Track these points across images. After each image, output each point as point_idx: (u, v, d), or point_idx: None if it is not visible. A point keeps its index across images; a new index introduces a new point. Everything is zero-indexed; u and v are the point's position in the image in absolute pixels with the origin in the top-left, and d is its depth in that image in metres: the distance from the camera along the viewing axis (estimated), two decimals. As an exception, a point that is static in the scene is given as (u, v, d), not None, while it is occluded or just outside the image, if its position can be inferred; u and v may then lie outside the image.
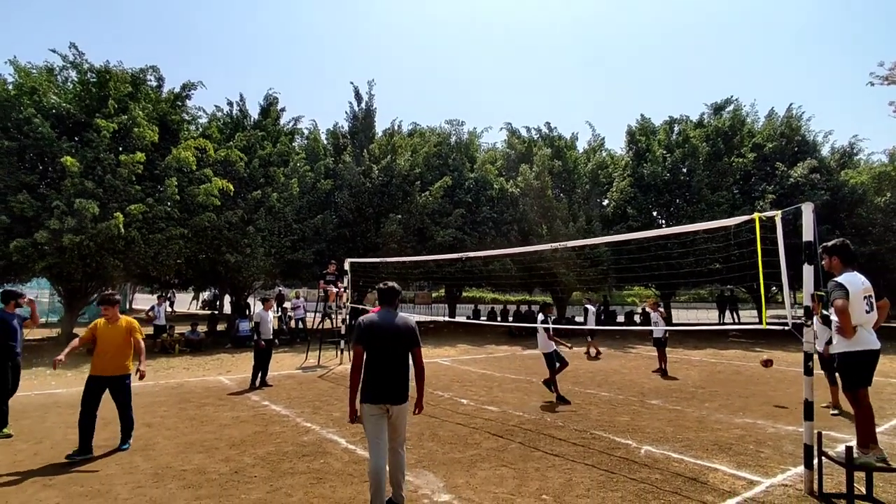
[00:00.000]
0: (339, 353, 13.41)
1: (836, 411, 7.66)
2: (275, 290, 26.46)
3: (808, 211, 4.80)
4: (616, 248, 19.46)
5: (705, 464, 5.46)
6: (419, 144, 22.59)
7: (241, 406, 8.10)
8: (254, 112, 20.44)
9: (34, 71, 14.20)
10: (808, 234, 4.72)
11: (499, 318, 23.64)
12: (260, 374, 9.82)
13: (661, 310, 12.20)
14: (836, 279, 4.63)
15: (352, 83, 22.84)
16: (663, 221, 22.70)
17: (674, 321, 23.61)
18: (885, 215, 20.86)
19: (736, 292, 27.61)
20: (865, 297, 4.51)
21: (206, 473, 5.11)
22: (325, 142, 23.00)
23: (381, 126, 23.69)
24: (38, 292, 26.64)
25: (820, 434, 4.66)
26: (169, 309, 34.06)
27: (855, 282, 4.55)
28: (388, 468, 4.09)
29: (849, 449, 4.42)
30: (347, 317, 13.54)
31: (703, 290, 39.16)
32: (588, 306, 15.31)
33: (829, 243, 4.89)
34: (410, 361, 4.21)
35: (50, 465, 5.31)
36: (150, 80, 16.06)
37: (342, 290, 13.29)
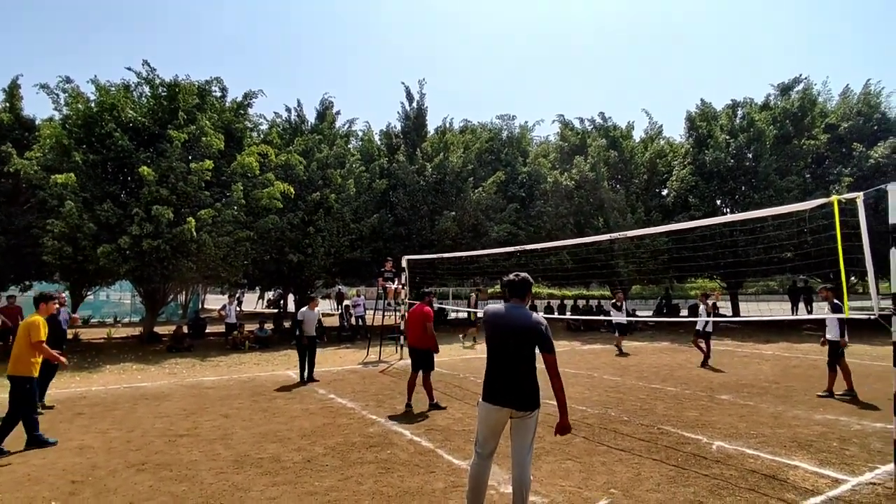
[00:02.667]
0: (398, 348, 13.69)
1: (847, 396, 8.07)
2: (335, 288, 27.23)
3: (893, 192, 4.49)
4: (677, 239, 18.75)
5: (784, 461, 5.23)
6: (471, 141, 22.65)
7: (310, 399, 8.44)
8: (310, 117, 21.19)
9: (112, 88, 15.28)
10: (894, 216, 4.43)
11: (556, 313, 23.33)
12: (308, 369, 10.07)
13: (710, 302, 12.25)
14: None
15: (403, 83, 23.08)
16: (728, 210, 21.67)
17: (741, 313, 22.53)
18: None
19: (811, 283, 25.99)
20: None
21: (281, 462, 5.37)
22: (379, 142, 23.47)
23: (432, 124, 23.93)
24: (121, 294, 28.73)
25: (913, 430, 4.36)
26: (238, 308, 36.01)
27: None
28: (511, 485, 3.76)
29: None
30: (406, 313, 13.78)
31: (774, 280, 37.07)
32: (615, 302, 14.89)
33: None
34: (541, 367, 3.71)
35: (141, 451, 5.74)
36: (215, 91, 16.94)
37: (400, 286, 13.55)
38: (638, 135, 25.91)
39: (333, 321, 21.10)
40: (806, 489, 4.50)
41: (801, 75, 22.45)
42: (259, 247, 16.32)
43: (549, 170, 22.90)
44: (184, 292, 28.22)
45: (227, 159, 16.02)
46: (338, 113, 21.46)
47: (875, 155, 18.74)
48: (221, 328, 17.26)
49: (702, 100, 23.41)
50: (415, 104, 22.77)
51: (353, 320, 18.71)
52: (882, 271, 4.58)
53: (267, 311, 31.88)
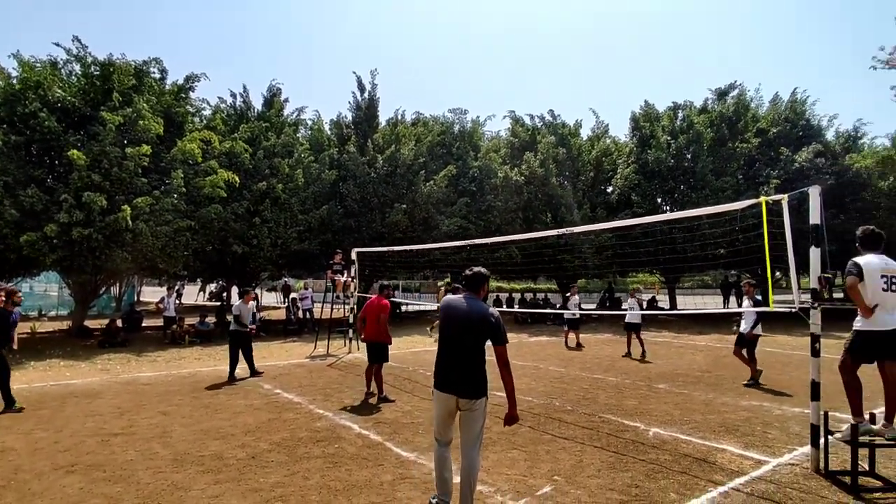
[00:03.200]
0: (347, 342, 13.54)
1: (751, 382, 8.77)
2: (281, 280, 26.60)
3: (815, 194, 4.83)
4: (620, 235, 19.47)
5: (713, 445, 5.56)
6: (423, 134, 22.56)
7: (254, 394, 8.23)
8: (257, 103, 20.46)
9: (38, 65, 14.21)
10: (814, 217, 4.76)
11: (504, 306, 23.74)
12: (248, 364, 9.71)
13: (638, 297, 13.01)
14: (854, 259, 4.68)
15: (354, 73, 22.66)
16: (668, 208, 22.63)
17: (678, 306, 23.66)
18: (888, 199, 20.82)
19: (742, 278, 27.61)
20: (885, 277, 4.51)
21: (224, 459, 5.23)
22: (329, 132, 22.98)
23: (384, 116, 23.60)
24: (48, 285, 26.92)
25: (826, 414, 4.74)
26: (177, 301, 34.44)
27: (873, 262, 4.58)
28: (460, 474, 3.84)
29: (854, 427, 4.50)
30: (355, 306, 13.65)
31: (708, 275, 39.14)
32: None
33: (857, 232, 4.99)
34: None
35: (70, 452, 5.44)
36: (154, 73, 16.05)
37: (349, 279, 13.39)
38: (585, 133, 26.64)
39: (280, 314, 20.64)
40: (732, 471, 4.81)
41: (736, 81, 23.69)
42: (201, 237, 15.67)
43: (499, 165, 23.16)
44: (117, 284, 26.74)
45: (167, 145, 15.25)
46: (286, 100, 20.83)
47: (800, 159, 20.08)
48: (159, 322, 16.52)
49: (646, 101, 24.31)
50: (366, 94, 22.44)
51: (300, 313, 18.34)
52: (803, 268, 4.92)
53: (209, 303, 30.76)
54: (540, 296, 28.38)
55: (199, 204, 15.31)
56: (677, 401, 7.64)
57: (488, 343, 3.79)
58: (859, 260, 4.63)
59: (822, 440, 4.72)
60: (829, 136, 22.69)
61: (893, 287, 4.50)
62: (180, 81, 16.83)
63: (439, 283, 16.84)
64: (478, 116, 28.49)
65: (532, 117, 26.38)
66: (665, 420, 6.55)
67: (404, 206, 19.24)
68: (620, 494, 4.30)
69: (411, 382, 9.12)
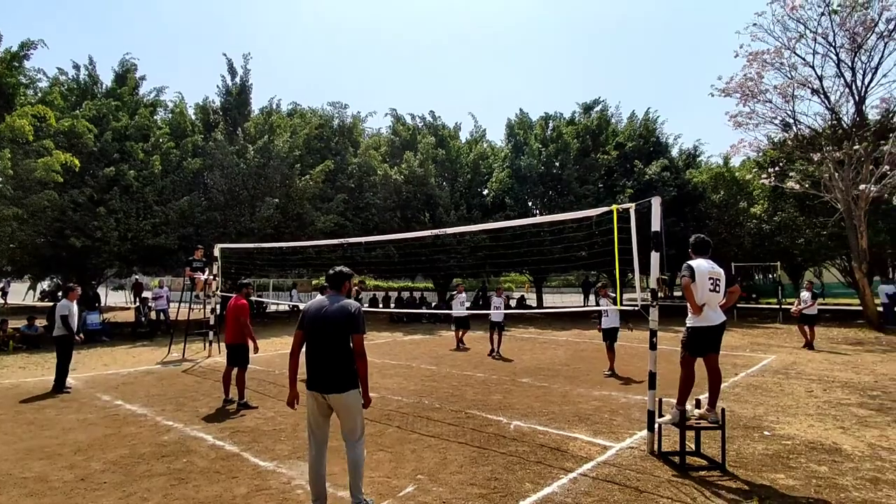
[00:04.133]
0: (206, 345, 12.45)
1: (609, 372, 9.58)
2: (131, 278, 23.92)
3: (656, 204, 5.36)
4: (494, 236, 20.33)
5: (567, 434, 5.93)
6: (299, 126, 21.63)
7: (90, 407, 7.23)
8: (107, 79, 18.19)
9: None
10: (655, 224, 5.28)
11: (381, 305, 23.58)
12: (59, 375, 8.27)
13: (504, 295, 13.60)
14: (687, 262, 5.25)
15: (225, 55, 21.08)
16: (538, 211, 24.11)
17: (545, 304, 25.32)
18: (719, 210, 24.20)
19: (601, 278, 30.26)
20: (711, 279, 5.12)
21: (49, 482, 4.54)
22: (194, 117, 21.09)
23: (257, 104, 22.29)
24: None
25: (660, 401, 5.28)
26: (1, 300, 29.42)
27: (702, 265, 5.18)
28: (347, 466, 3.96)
29: (681, 412, 5.06)
30: (217, 307, 12.63)
31: (572, 275, 42.36)
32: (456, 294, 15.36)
33: (690, 239, 5.55)
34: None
35: None
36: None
37: (211, 277, 12.36)
38: (464, 136, 27.46)
39: (129, 316, 18.54)
40: (581, 457, 5.17)
41: (599, 98, 25.99)
42: (30, 228, 13.58)
43: (379, 162, 22.98)
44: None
45: (-11, 119, 12.97)
46: (142, 78, 18.81)
47: (650, 172, 22.47)
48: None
49: (521, 109, 25.72)
50: (238, 79, 21.00)
51: (153, 315, 16.60)
52: (647, 270, 5.43)
53: (40, 304, 26.74)
54: (417, 294, 28.65)
55: (30, 189, 13.23)
56: (538, 393, 8.08)
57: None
58: (692, 263, 5.22)
59: (656, 425, 5.25)
60: (675, 152, 25.84)
61: (717, 288, 5.14)
62: (14, 49, 14.40)
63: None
64: (359, 112, 27.92)
65: (413, 117, 26.60)
66: (526, 413, 6.88)
67: (277, 200, 18.28)
68: (480, 488, 4.40)
69: (276, 386, 8.64)
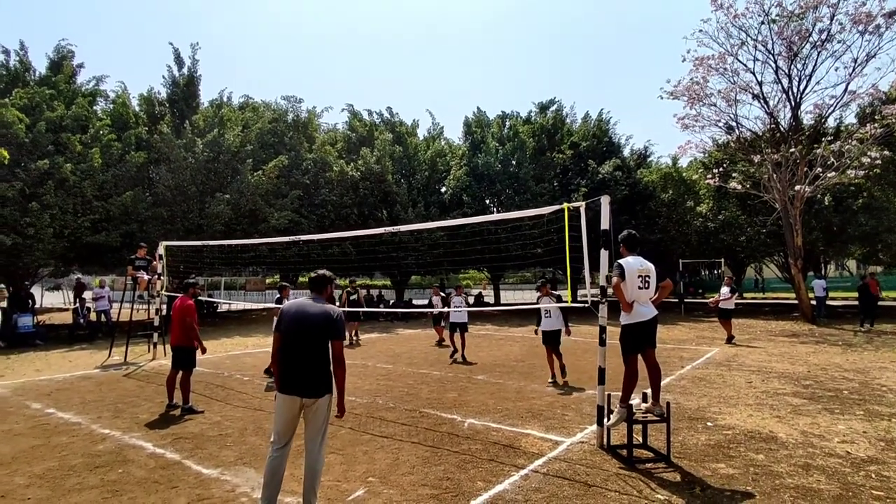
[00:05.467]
0: (151, 347, 11.91)
1: (552, 381, 8.59)
2: (70, 277, 22.66)
3: (605, 203, 5.44)
4: (452, 234, 20.34)
5: (520, 430, 5.98)
6: (252, 119, 21.03)
7: (17, 417, 6.77)
8: (40, 66, 17.11)
9: None
10: (604, 223, 5.36)
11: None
12: None
13: (464, 295, 12.22)
14: (617, 261, 5.35)
15: (171, 44, 20.16)
16: (495, 209, 24.30)
17: (502, 301, 25.57)
18: (668, 209, 25.05)
19: (556, 275, 30.83)
20: (640, 276, 5.24)
21: (-40, 501, 4.18)
22: (138, 108, 20.12)
23: (207, 96, 21.50)
24: None
25: (609, 396, 5.38)
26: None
27: (632, 263, 5.29)
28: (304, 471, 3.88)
29: (627, 409, 5.17)
30: (163, 307, 12.10)
31: (529, 272, 42.98)
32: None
33: (620, 235, 5.63)
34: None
35: None
36: None
37: (155, 277, 11.83)
38: (422, 133, 27.35)
39: (65, 317, 17.54)
40: (533, 453, 5.21)
41: (555, 98, 26.42)
42: (-48, 224, 12.60)
43: (335, 158, 22.60)
44: None
45: None
46: (80, 66, 17.81)
47: (603, 171, 23.02)
48: None
49: (478, 107, 26.03)
50: (185, 70, 20.18)
51: (93, 316, 15.77)
52: (597, 267, 5.51)
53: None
54: (374, 292, 28.39)
55: (-49, 182, 12.28)
56: (493, 391, 8.11)
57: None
58: (622, 262, 5.32)
59: (605, 419, 5.35)
60: (626, 152, 26.57)
61: (647, 284, 5.27)
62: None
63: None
64: (314, 107, 27.43)
65: (370, 113, 26.33)
66: (480, 410, 6.90)
67: (227, 195, 17.68)
68: (432, 489, 4.36)
69: (224, 389, 8.34)
